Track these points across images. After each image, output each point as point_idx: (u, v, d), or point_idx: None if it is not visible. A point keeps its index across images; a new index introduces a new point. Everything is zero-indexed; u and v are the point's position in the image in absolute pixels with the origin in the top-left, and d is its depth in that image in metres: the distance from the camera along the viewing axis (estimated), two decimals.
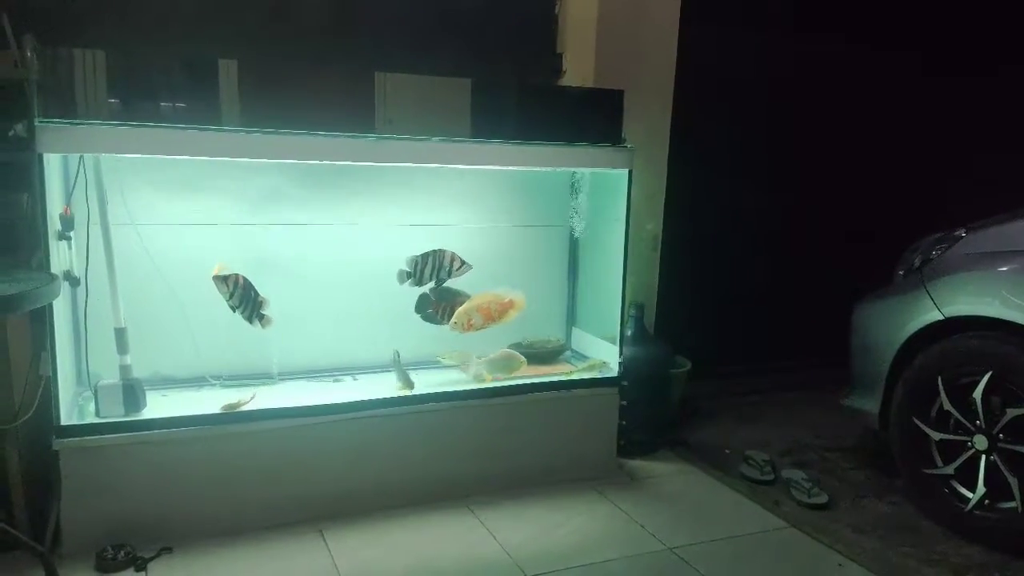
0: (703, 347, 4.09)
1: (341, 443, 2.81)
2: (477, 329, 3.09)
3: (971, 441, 2.82)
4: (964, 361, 2.85)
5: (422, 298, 3.14)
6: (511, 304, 3.14)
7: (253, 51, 3.21)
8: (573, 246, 3.59)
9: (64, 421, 2.47)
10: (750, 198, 4.60)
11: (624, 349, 3.28)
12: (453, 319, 3.07)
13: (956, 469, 2.88)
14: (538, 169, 3.23)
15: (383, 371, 3.20)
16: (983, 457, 2.79)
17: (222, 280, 2.76)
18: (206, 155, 2.62)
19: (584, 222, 3.45)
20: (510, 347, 3.39)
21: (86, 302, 2.71)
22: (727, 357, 4.53)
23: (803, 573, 2.64)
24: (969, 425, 2.84)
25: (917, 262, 3.18)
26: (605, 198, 3.30)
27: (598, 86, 3.53)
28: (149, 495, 2.57)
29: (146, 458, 2.56)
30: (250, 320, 2.79)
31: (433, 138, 2.83)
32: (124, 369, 2.69)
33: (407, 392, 2.99)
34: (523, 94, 3.20)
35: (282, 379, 3.04)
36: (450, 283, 3.15)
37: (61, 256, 2.56)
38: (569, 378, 3.24)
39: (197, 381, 2.96)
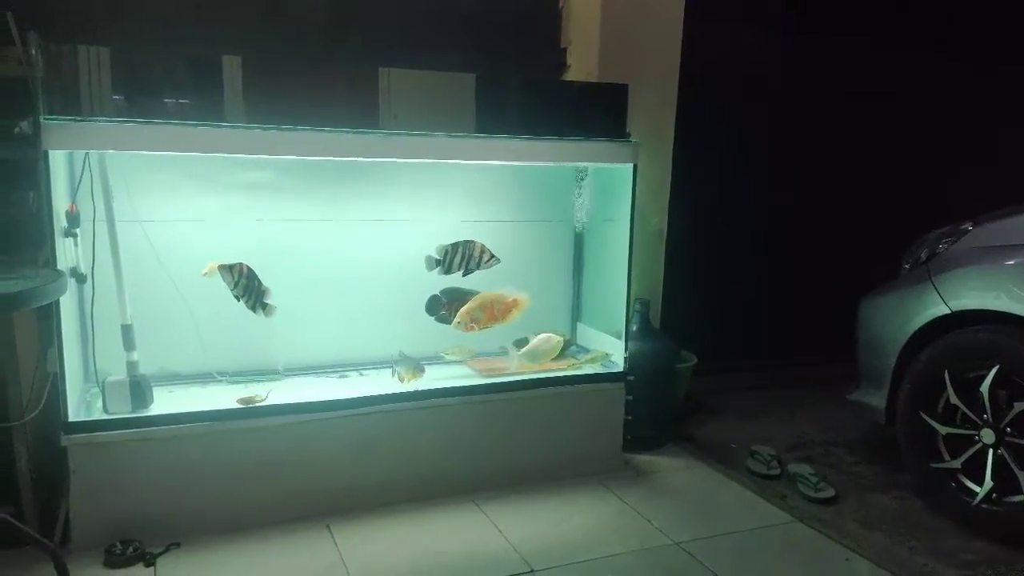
0: (708, 342, 4.08)
1: (347, 439, 2.82)
2: (481, 328, 3.10)
3: (978, 435, 2.81)
4: (971, 355, 2.84)
5: (432, 299, 3.15)
6: (514, 303, 3.14)
7: (257, 47, 3.22)
8: (578, 241, 3.59)
9: (72, 417, 2.48)
10: (755, 193, 4.59)
11: (629, 344, 3.28)
12: (456, 319, 3.08)
13: (963, 463, 2.87)
14: (542, 164, 3.22)
15: (388, 367, 3.21)
16: (990, 451, 2.78)
17: (227, 269, 2.77)
18: (210, 151, 2.62)
19: (589, 217, 3.45)
20: (515, 342, 3.40)
21: (92, 299, 2.72)
22: (733, 352, 4.52)
23: (810, 567, 2.64)
24: (976, 419, 2.83)
25: (923, 256, 3.17)
26: (610, 193, 3.30)
27: (602, 80, 3.53)
28: (157, 491, 2.58)
29: (153, 454, 2.57)
30: (253, 309, 2.79)
31: (437, 134, 2.83)
32: (131, 365, 2.70)
33: (418, 377, 2.99)
34: (527, 89, 3.20)
35: (288, 375, 3.05)
36: (477, 274, 3.17)
37: (67, 253, 2.57)
38: (574, 373, 3.23)
39: (203, 377, 2.96)
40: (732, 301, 4.62)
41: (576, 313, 3.65)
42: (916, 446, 3.02)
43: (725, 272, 4.59)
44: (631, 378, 3.28)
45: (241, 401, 2.73)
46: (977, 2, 4.82)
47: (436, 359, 3.20)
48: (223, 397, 2.79)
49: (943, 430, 2.92)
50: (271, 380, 2.98)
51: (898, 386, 3.09)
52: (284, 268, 2.94)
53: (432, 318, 3.18)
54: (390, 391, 2.92)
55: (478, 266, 3.13)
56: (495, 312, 3.10)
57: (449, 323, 3.15)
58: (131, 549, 2.46)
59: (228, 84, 2.82)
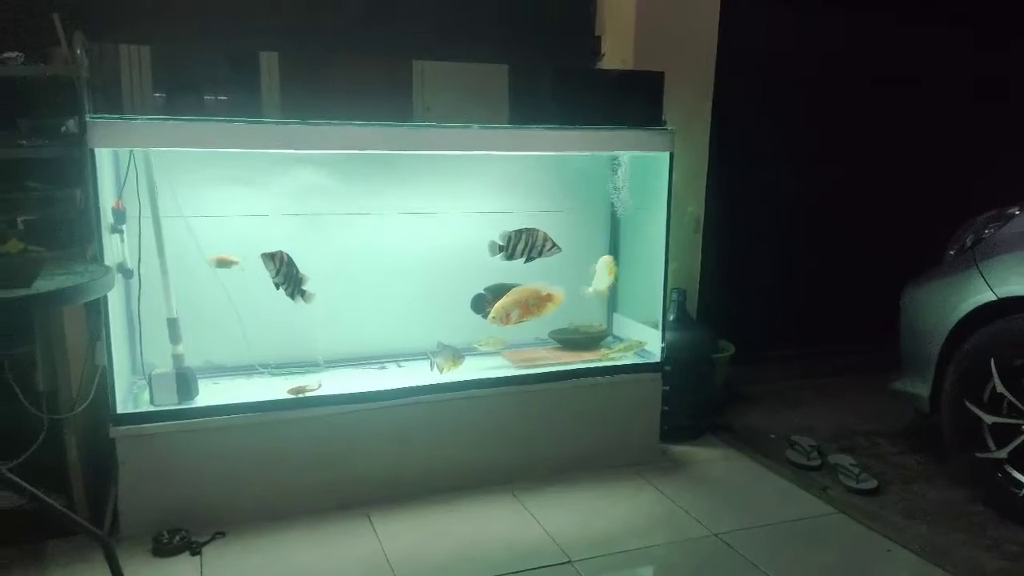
0: (746, 331, 4.04)
1: (387, 429, 2.85)
2: (516, 323, 3.12)
3: None
4: (1018, 342, 2.78)
5: (478, 297, 3.16)
6: (549, 298, 3.14)
7: (293, 43, 3.25)
8: (614, 231, 3.57)
9: (120, 409, 2.55)
10: (793, 180, 4.52)
11: (666, 334, 3.27)
12: (492, 313, 3.10)
13: (1010, 453, 2.81)
14: (578, 153, 3.21)
15: (426, 358, 3.24)
16: None
17: (269, 257, 2.80)
18: (249, 147, 2.66)
19: (625, 206, 3.43)
20: (552, 333, 3.40)
21: (139, 293, 2.78)
22: (771, 341, 4.47)
23: (851, 559, 2.61)
24: (1023, 408, 2.77)
25: (969, 241, 3.10)
26: (646, 181, 3.27)
27: (637, 68, 3.50)
28: (203, 481, 2.64)
29: (199, 445, 2.62)
30: (292, 296, 2.83)
31: (472, 125, 2.84)
32: (177, 358, 2.75)
33: (458, 366, 3.02)
34: (561, 78, 3.18)
35: (328, 367, 3.09)
36: (516, 264, 3.18)
37: (114, 249, 2.63)
38: (611, 364, 3.23)
39: (247, 369, 3.02)
40: (770, 290, 4.56)
41: (613, 303, 3.64)
42: (961, 436, 2.97)
43: (763, 260, 4.53)
44: (668, 368, 3.26)
45: (292, 391, 2.78)
46: None
47: (471, 351, 3.22)
48: (266, 389, 2.84)
49: (989, 419, 2.86)
50: (312, 372, 3.02)
51: (942, 375, 3.03)
52: (323, 261, 2.97)
53: (469, 310, 3.18)
54: (429, 382, 2.94)
55: (540, 254, 3.13)
56: (529, 307, 3.11)
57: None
58: (178, 538, 2.52)
59: (265, 80, 2.86)
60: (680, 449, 3.41)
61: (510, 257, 3.11)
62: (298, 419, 2.73)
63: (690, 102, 3.62)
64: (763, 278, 4.52)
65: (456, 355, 3.05)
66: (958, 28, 4.70)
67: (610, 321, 3.63)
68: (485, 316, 3.15)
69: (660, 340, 3.24)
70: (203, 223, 2.90)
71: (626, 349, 3.35)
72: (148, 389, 2.69)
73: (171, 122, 2.49)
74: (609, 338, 3.55)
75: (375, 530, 2.68)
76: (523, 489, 2.97)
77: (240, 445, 2.67)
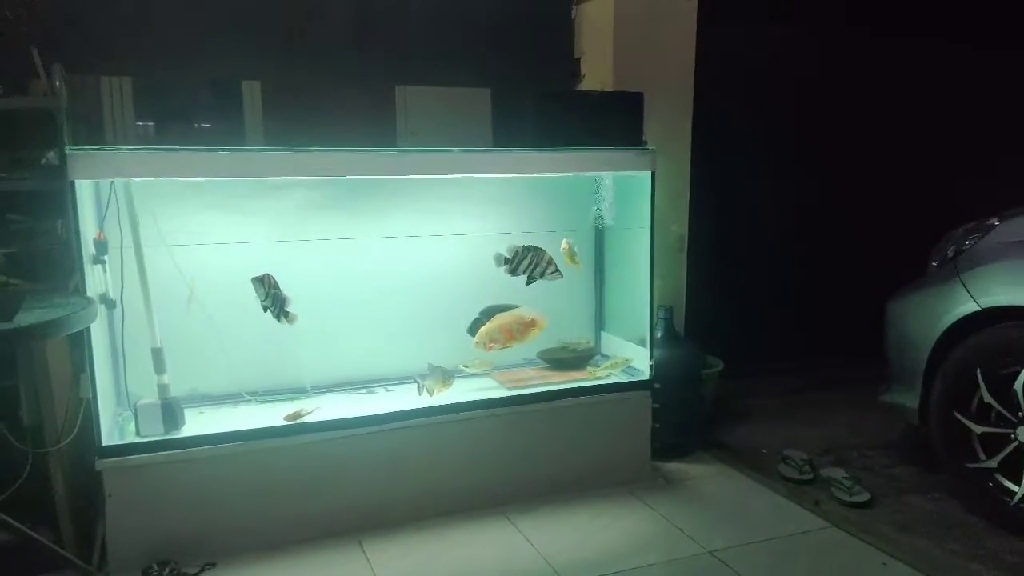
0: (735, 346, 4.05)
1: (377, 454, 2.83)
2: (500, 348, 3.12)
3: (1014, 433, 2.77)
4: (1003, 352, 2.80)
5: (475, 323, 3.15)
6: (533, 323, 3.14)
7: (275, 71, 3.26)
8: (599, 250, 3.58)
9: (106, 441, 2.52)
10: (776, 195, 4.56)
11: (654, 352, 3.27)
12: (476, 339, 3.10)
13: (1000, 462, 2.82)
14: (560, 175, 3.23)
15: (415, 382, 3.22)
16: None
17: (259, 281, 2.79)
18: (233, 175, 2.67)
19: (609, 226, 3.44)
20: (541, 353, 3.40)
21: (123, 324, 2.76)
22: (760, 356, 4.48)
23: (846, 573, 2.61)
24: (1011, 417, 2.78)
25: (950, 252, 3.13)
26: (629, 201, 3.29)
27: (617, 89, 3.53)
28: (191, 511, 2.60)
29: (187, 475, 2.59)
30: (278, 318, 2.81)
31: (455, 149, 2.85)
32: (162, 388, 2.73)
33: (448, 387, 3.01)
34: (542, 101, 3.21)
35: (315, 393, 3.07)
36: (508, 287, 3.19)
37: (96, 280, 2.61)
38: (601, 383, 3.22)
39: (233, 398, 2.99)
40: (757, 305, 4.59)
41: (600, 322, 3.64)
42: (951, 446, 2.97)
43: (749, 275, 4.56)
44: (657, 386, 3.26)
45: (288, 417, 2.76)
46: None
47: (459, 372, 3.21)
48: (253, 416, 2.82)
49: (978, 429, 2.87)
50: (299, 398, 3.00)
51: (930, 386, 3.04)
52: (307, 287, 2.96)
53: (455, 333, 3.17)
54: (419, 406, 2.93)
55: (542, 275, 3.13)
56: (513, 332, 3.11)
57: None
58: (167, 570, 2.48)
59: (248, 108, 2.87)
60: (672, 466, 3.40)
61: (513, 272, 3.11)
62: (287, 447, 2.70)
63: (670, 121, 3.65)
64: (749, 293, 4.54)
65: (446, 376, 3.04)
66: (936, 39, 4.77)
67: (598, 339, 3.63)
68: None
69: (648, 358, 3.23)
70: (186, 251, 2.88)
71: (612, 367, 3.34)
72: (134, 420, 2.66)
73: (151, 152, 2.50)
74: (597, 356, 3.54)
75: (367, 557, 2.65)
76: (515, 511, 2.95)
77: (228, 474, 2.64)
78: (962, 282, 2.94)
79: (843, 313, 4.54)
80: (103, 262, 2.66)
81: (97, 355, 2.49)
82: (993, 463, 2.84)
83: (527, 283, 3.13)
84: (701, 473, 3.36)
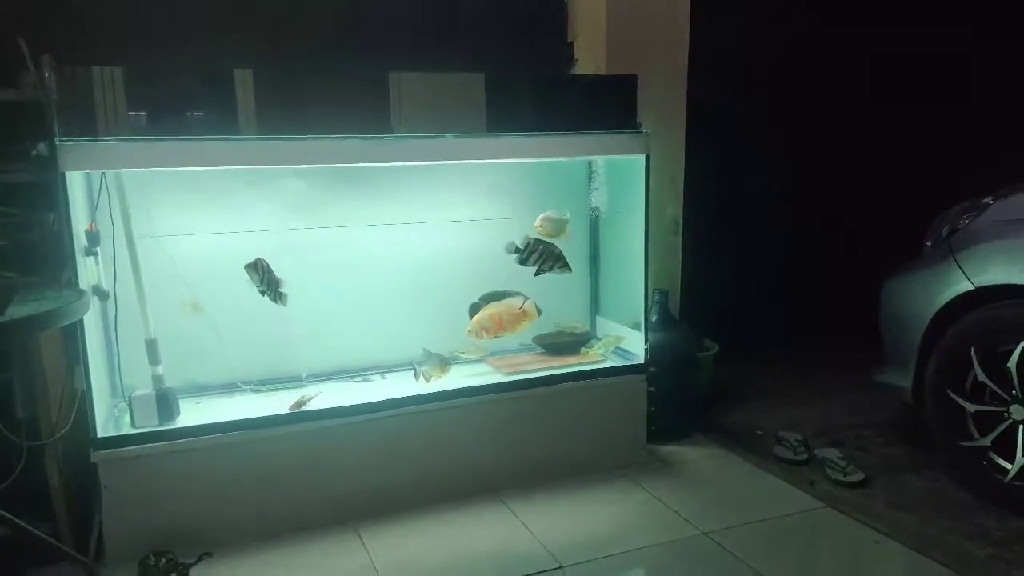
0: (730, 329, 4.06)
1: (373, 442, 2.84)
2: (491, 337, 3.12)
3: (1008, 411, 2.78)
4: (997, 331, 2.80)
5: (474, 307, 3.15)
6: (523, 315, 3.15)
7: (267, 59, 3.24)
8: (594, 235, 3.58)
9: (101, 433, 2.52)
10: (772, 177, 4.55)
11: (650, 335, 3.27)
12: (468, 328, 3.10)
13: (994, 440, 2.83)
14: (555, 159, 3.22)
15: (411, 369, 3.23)
16: (1020, 427, 2.74)
17: (253, 267, 2.78)
18: (226, 165, 2.65)
19: (604, 210, 3.44)
20: (536, 338, 3.40)
21: (116, 315, 2.76)
22: (755, 338, 4.49)
23: (841, 552, 2.62)
24: (1005, 395, 2.79)
25: (945, 232, 3.13)
26: (624, 185, 3.28)
27: (611, 73, 3.51)
28: (188, 502, 2.62)
29: (183, 466, 2.60)
30: (275, 300, 2.81)
31: (447, 135, 2.84)
32: (157, 379, 2.73)
33: (445, 373, 3.03)
34: (537, 85, 3.18)
35: (311, 381, 3.07)
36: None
37: (89, 271, 2.61)
38: (596, 367, 3.23)
39: (228, 387, 3.00)
40: (753, 287, 4.59)
41: (595, 306, 3.64)
42: (945, 425, 2.99)
43: (744, 258, 4.56)
44: (653, 369, 3.26)
45: (293, 407, 2.76)
46: None
47: (454, 359, 3.22)
48: (249, 406, 2.82)
49: (972, 408, 2.88)
50: (295, 387, 3.01)
51: (924, 365, 3.05)
52: (302, 275, 2.95)
53: (451, 320, 3.17)
54: (415, 392, 2.93)
55: (551, 268, 3.15)
56: (504, 322, 3.11)
57: None
58: (164, 560, 2.49)
59: (240, 97, 2.85)
60: (668, 449, 3.41)
61: (523, 262, 3.13)
62: (283, 435, 2.71)
63: (664, 104, 3.63)
64: (745, 276, 4.54)
65: (443, 363, 3.05)
66: (931, 25, 4.74)
67: (593, 324, 3.63)
68: None
69: (643, 342, 3.24)
70: (177, 241, 2.88)
71: (605, 346, 3.36)
72: (128, 411, 2.66)
73: (143, 142, 2.48)
74: (592, 341, 3.54)
75: (365, 544, 2.66)
76: (512, 496, 2.97)
77: (224, 464, 2.65)
78: (956, 261, 2.94)
79: (838, 295, 4.54)
80: (95, 254, 2.66)
81: (91, 347, 2.49)
82: (987, 441, 2.85)
83: (535, 274, 3.15)
84: (697, 455, 3.38)
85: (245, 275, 2.78)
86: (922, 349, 3.05)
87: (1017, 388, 2.74)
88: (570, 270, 3.19)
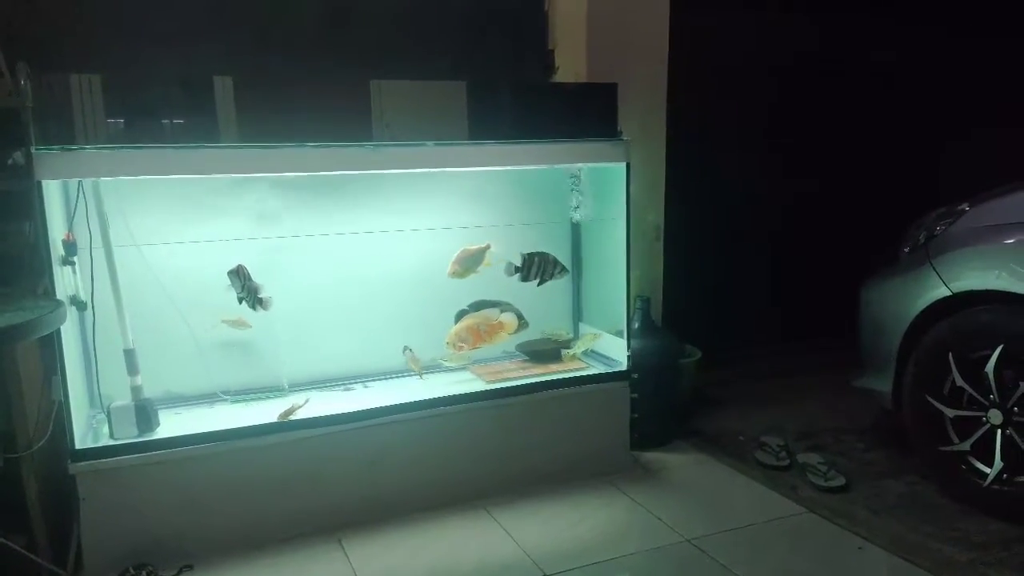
0: (712, 335, 4.08)
1: (356, 451, 2.82)
2: (470, 349, 3.13)
3: (986, 416, 2.80)
4: (974, 336, 2.83)
5: (461, 314, 3.16)
6: (500, 326, 3.16)
7: (248, 67, 3.23)
8: (576, 242, 3.58)
9: (79, 445, 2.49)
10: (752, 183, 4.59)
11: (632, 342, 3.28)
12: (446, 339, 3.11)
13: (972, 445, 2.86)
14: (536, 167, 3.22)
15: (393, 378, 3.22)
16: (999, 432, 2.77)
17: (234, 274, 2.77)
18: (205, 173, 2.64)
19: (585, 217, 3.45)
20: (519, 345, 3.40)
21: (93, 325, 2.73)
22: (738, 344, 4.52)
23: (823, 557, 2.63)
24: (983, 400, 2.82)
25: (922, 238, 3.16)
26: (605, 192, 3.29)
27: (591, 80, 3.53)
28: (167, 513, 2.59)
29: (163, 477, 2.57)
30: (253, 307, 2.79)
31: (428, 143, 2.83)
32: (135, 390, 2.70)
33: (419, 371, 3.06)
34: (518, 93, 3.20)
35: (292, 390, 3.05)
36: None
37: (66, 281, 2.58)
38: (579, 374, 3.23)
39: (209, 398, 2.97)
40: (734, 293, 4.62)
41: (577, 313, 3.65)
42: (924, 430, 3.01)
43: (725, 263, 4.58)
44: (635, 376, 3.27)
45: (282, 416, 2.74)
46: None
47: (436, 367, 3.22)
48: (229, 416, 2.80)
49: (950, 413, 2.91)
50: (276, 397, 2.99)
51: (903, 370, 3.08)
52: (283, 284, 2.94)
53: (433, 328, 3.17)
54: (398, 401, 2.92)
55: (552, 276, 3.20)
56: (481, 333, 3.13)
57: None
58: (144, 573, 2.46)
59: (220, 105, 2.83)
60: (651, 456, 3.42)
61: (525, 278, 3.16)
62: (264, 446, 2.69)
63: (645, 111, 3.65)
64: (726, 281, 4.57)
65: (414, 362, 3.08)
66: (911, 25, 4.80)
67: (576, 331, 3.63)
68: None
69: (626, 348, 3.24)
70: (157, 251, 2.85)
71: (582, 345, 3.38)
72: (107, 423, 2.63)
73: (120, 151, 2.46)
74: (571, 342, 3.54)
75: (347, 555, 2.64)
76: (495, 505, 2.96)
77: (204, 475, 2.62)
78: (933, 267, 2.97)
79: (818, 300, 4.58)
80: (73, 263, 2.63)
81: (68, 357, 2.46)
82: (966, 446, 2.87)
83: (538, 285, 3.20)
84: (680, 462, 3.38)
85: (226, 281, 2.76)
86: (900, 354, 3.08)
87: (995, 393, 2.77)
88: (568, 271, 3.25)
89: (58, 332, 2.36)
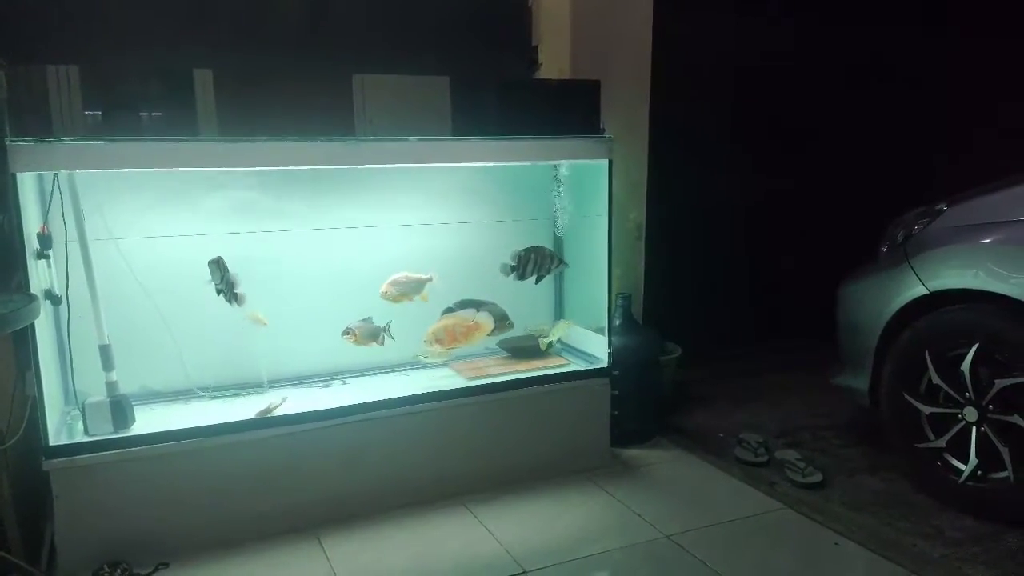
0: (693, 332, 4.10)
1: (335, 448, 2.81)
2: (446, 348, 3.12)
3: (961, 413, 2.84)
4: (951, 334, 2.86)
5: (447, 311, 3.15)
6: (476, 327, 3.15)
7: (228, 60, 3.19)
8: (558, 239, 3.58)
9: (53, 441, 2.46)
10: (733, 181, 4.61)
11: (613, 339, 3.28)
12: (424, 338, 3.10)
13: (948, 442, 2.89)
14: (518, 164, 3.22)
15: (373, 374, 3.21)
16: (974, 429, 2.80)
17: (214, 263, 2.74)
18: (183, 166, 2.59)
19: (567, 214, 3.44)
20: (500, 342, 3.39)
21: (68, 320, 2.69)
22: (717, 341, 4.54)
23: (799, 553, 2.65)
24: (959, 397, 2.85)
25: (900, 237, 3.18)
26: (588, 189, 3.29)
27: (574, 77, 3.52)
28: (143, 511, 2.56)
29: (138, 474, 2.54)
30: (229, 300, 2.77)
31: (411, 138, 2.82)
32: (111, 386, 2.67)
33: (369, 343, 3.02)
34: (501, 89, 3.18)
35: (271, 387, 3.03)
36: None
37: (41, 275, 2.54)
38: (560, 371, 3.23)
39: (185, 394, 2.94)
40: (714, 290, 4.64)
41: (559, 311, 3.65)
42: (901, 427, 3.04)
43: (706, 262, 4.60)
44: (616, 373, 3.28)
45: (261, 412, 2.73)
46: None
47: (417, 363, 3.21)
48: (206, 413, 2.77)
49: (926, 410, 2.94)
50: (254, 393, 2.96)
51: (880, 368, 3.10)
52: (261, 281, 2.91)
53: (412, 325, 3.15)
54: (377, 398, 2.90)
55: (548, 271, 3.20)
56: (456, 334, 3.12)
57: None
58: (119, 571, 2.44)
59: (200, 98, 2.81)
60: (631, 453, 3.43)
61: (521, 277, 3.15)
62: (241, 443, 2.66)
63: (628, 109, 3.66)
64: (707, 279, 4.59)
65: (372, 334, 3.03)
66: (891, 26, 4.84)
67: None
68: None
69: (607, 345, 3.25)
70: (134, 245, 2.82)
71: (556, 333, 3.39)
72: (82, 419, 2.60)
73: (96, 143, 2.42)
74: (558, 346, 3.55)
75: (326, 553, 2.63)
76: (476, 501, 2.95)
77: (181, 472, 2.59)
78: (911, 266, 2.99)
79: (798, 297, 4.61)
80: (47, 257, 2.59)
81: (43, 353, 2.43)
82: (941, 443, 2.91)
83: (536, 282, 3.18)
84: (659, 459, 3.40)
85: (205, 276, 2.73)
86: (878, 352, 3.11)
87: (970, 390, 2.80)
88: (567, 265, 3.24)
89: (32, 327, 2.33)
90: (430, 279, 3.07)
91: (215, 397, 2.93)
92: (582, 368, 3.29)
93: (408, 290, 3.05)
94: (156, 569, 2.50)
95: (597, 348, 3.33)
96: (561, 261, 3.22)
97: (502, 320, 3.25)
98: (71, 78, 2.59)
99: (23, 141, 2.33)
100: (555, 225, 3.51)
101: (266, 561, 2.57)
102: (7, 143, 2.32)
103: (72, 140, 2.41)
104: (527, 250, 3.15)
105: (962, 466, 2.84)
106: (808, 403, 4.03)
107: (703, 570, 2.50)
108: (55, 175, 2.60)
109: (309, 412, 2.78)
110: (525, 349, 3.41)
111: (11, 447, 2.43)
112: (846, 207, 4.77)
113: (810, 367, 4.26)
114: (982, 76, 4.92)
